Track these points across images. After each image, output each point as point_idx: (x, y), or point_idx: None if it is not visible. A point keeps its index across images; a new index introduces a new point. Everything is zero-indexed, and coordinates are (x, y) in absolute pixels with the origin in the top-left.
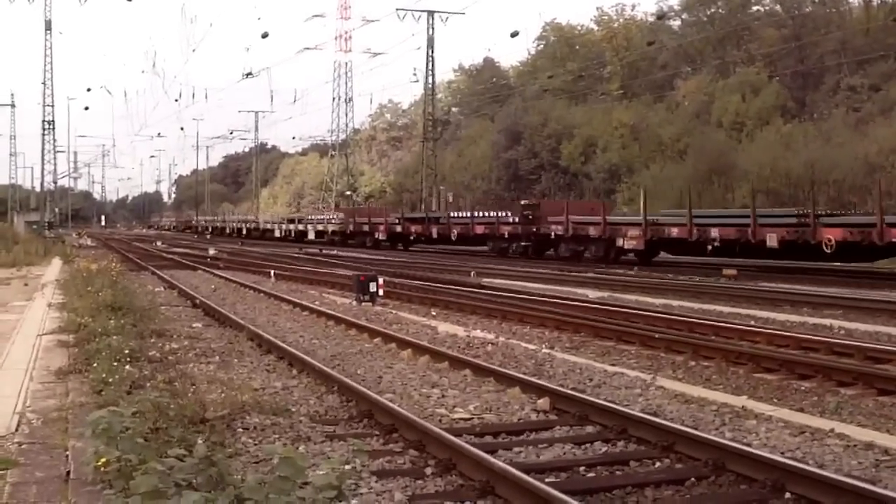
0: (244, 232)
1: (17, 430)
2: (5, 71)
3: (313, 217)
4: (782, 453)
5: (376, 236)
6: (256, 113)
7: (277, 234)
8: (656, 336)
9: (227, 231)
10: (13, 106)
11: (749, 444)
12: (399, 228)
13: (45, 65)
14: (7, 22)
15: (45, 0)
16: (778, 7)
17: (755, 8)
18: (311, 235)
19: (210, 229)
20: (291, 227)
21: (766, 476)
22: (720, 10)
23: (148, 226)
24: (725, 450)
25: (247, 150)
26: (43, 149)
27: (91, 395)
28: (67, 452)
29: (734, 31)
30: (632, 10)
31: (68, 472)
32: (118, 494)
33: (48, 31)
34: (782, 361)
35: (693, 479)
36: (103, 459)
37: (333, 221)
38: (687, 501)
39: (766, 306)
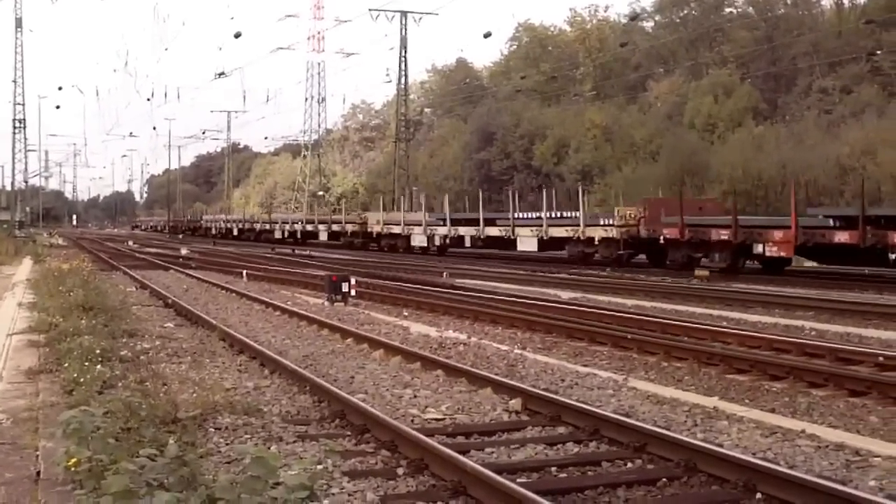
0: (256, 232)
1: None
2: None
3: (327, 217)
4: (754, 454)
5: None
6: (229, 113)
7: (279, 234)
8: (629, 337)
9: (235, 233)
10: None
11: (721, 445)
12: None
13: (15, 63)
14: None
15: None
16: (750, 9)
17: (728, 10)
18: (324, 237)
19: (216, 231)
20: (297, 227)
21: (737, 476)
22: (693, 12)
23: (133, 226)
24: (697, 450)
25: (219, 149)
26: (13, 147)
27: (62, 395)
28: (38, 452)
29: (707, 33)
30: (605, 11)
31: (38, 473)
32: (89, 495)
33: (19, 29)
34: (754, 362)
35: (665, 479)
36: (74, 459)
37: (357, 222)
38: (659, 502)
39: (737, 307)
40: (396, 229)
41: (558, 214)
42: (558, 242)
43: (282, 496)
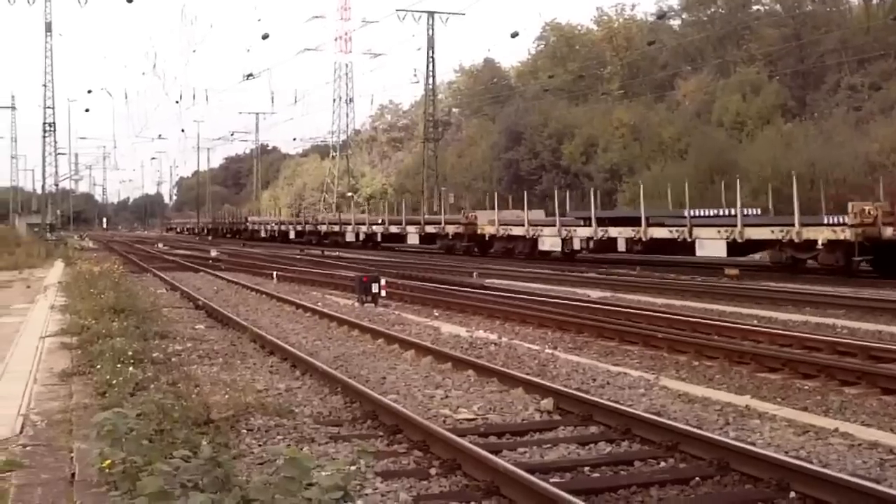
0: (319, 235)
1: (21, 432)
2: (6, 73)
3: (417, 217)
4: (786, 453)
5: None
6: (257, 114)
7: (351, 237)
8: (659, 336)
9: (292, 236)
10: (14, 108)
11: (753, 444)
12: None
13: (45, 66)
14: (7, 24)
15: (45, 1)
16: (778, 6)
17: (755, 7)
18: (413, 240)
19: (266, 233)
20: (377, 228)
21: (770, 475)
22: (720, 10)
23: (166, 228)
24: (729, 449)
25: (248, 151)
26: (44, 151)
27: (95, 397)
28: (72, 454)
29: (734, 31)
30: (631, 9)
31: (73, 474)
32: (124, 496)
33: (48, 33)
34: (785, 361)
35: (698, 478)
36: (108, 461)
37: (463, 222)
38: (692, 501)
39: (768, 306)
40: (518, 231)
41: (745, 212)
42: (756, 245)
43: (316, 497)
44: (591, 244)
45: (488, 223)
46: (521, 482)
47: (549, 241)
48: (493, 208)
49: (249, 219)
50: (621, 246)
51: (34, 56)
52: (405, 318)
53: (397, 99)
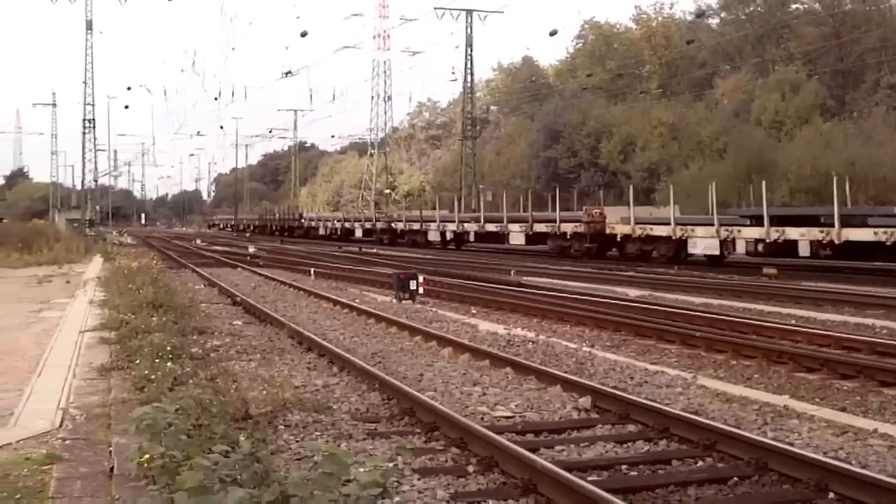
0: (395, 233)
1: (60, 425)
2: (47, 70)
3: (524, 216)
4: (825, 453)
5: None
6: (295, 111)
7: (434, 237)
8: (697, 335)
9: (359, 234)
10: (54, 105)
11: (792, 444)
12: None
13: (85, 64)
14: (49, 22)
15: (86, 0)
16: (817, 5)
17: (794, 6)
18: (517, 240)
19: (326, 231)
20: (469, 227)
21: (809, 476)
22: (759, 9)
23: (209, 224)
24: (768, 449)
25: (286, 148)
26: (84, 147)
27: (133, 392)
28: (110, 448)
29: (773, 30)
30: (670, 8)
31: (112, 468)
32: (162, 490)
33: (89, 31)
34: (824, 361)
35: (736, 478)
36: (147, 455)
37: (586, 220)
38: (730, 501)
39: (807, 305)
40: (661, 231)
41: None
42: None
43: (354, 493)
44: (762, 247)
45: (621, 221)
46: (558, 480)
47: (703, 244)
48: (528, 207)
49: (307, 216)
50: (803, 250)
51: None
52: (443, 315)
53: (435, 97)
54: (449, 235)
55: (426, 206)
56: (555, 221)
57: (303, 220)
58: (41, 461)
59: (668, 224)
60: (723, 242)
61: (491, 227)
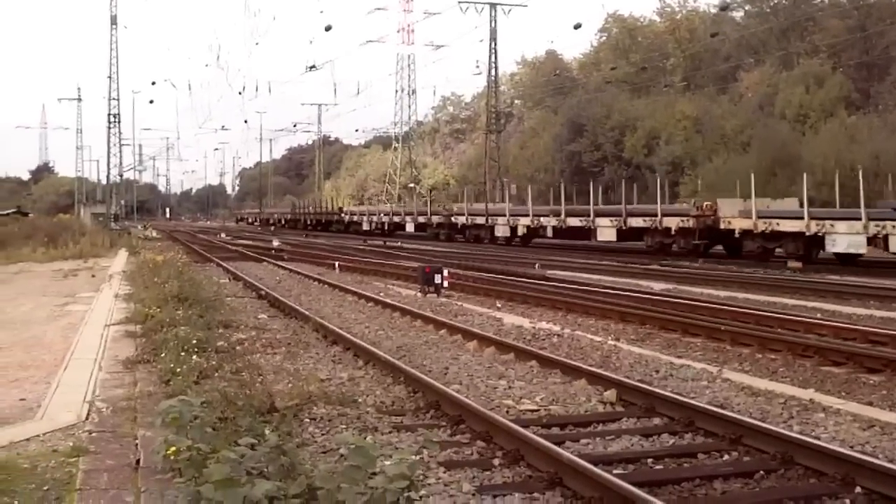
0: (454, 228)
1: (87, 418)
2: (72, 66)
3: (616, 209)
4: (852, 447)
5: None
6: (320, 106)
7: (502, 232)
8: (722, 328)
9: (411, 228)
10: (79, 100)
11: (818, 438)
12: None
13: (110, 59)
14: (74, 17)
15: None
16: None
17: None
18: (606, 236)
19: (371, 226)
20: (546, 220)
21: (835, 470)
22: (784, 1)
23: (237, 218)
24: (794, 443)
25: (310, 142)
26: (109, 142)
27: (159, 385)
28: (136, 441)
29: (798, 22)
30: (694, 1)
31: (138, 461)
32: (188, 482)
33: (114, 26)
34: (850, 354)
35: (761, 472)
36: (173, 448)
37: (693, 214)
38: (755, 494)
39: (832, 299)
40: (789, 225)
41: None
42: None
43: (381, 485)
44: None
45: (739, 215)
46: (584, 473)
47: (846, 241)
48: (557, 200)
49: (347, 210)
50: None
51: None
52: (468, 308)
53: (459, 90)
54: (521, 230)
55: (452, 199)
56: (655, 215)
57: (343, 215)
58: (68, 453)
59: (801, 218)
60: (871, 239)
61: (574, 222)
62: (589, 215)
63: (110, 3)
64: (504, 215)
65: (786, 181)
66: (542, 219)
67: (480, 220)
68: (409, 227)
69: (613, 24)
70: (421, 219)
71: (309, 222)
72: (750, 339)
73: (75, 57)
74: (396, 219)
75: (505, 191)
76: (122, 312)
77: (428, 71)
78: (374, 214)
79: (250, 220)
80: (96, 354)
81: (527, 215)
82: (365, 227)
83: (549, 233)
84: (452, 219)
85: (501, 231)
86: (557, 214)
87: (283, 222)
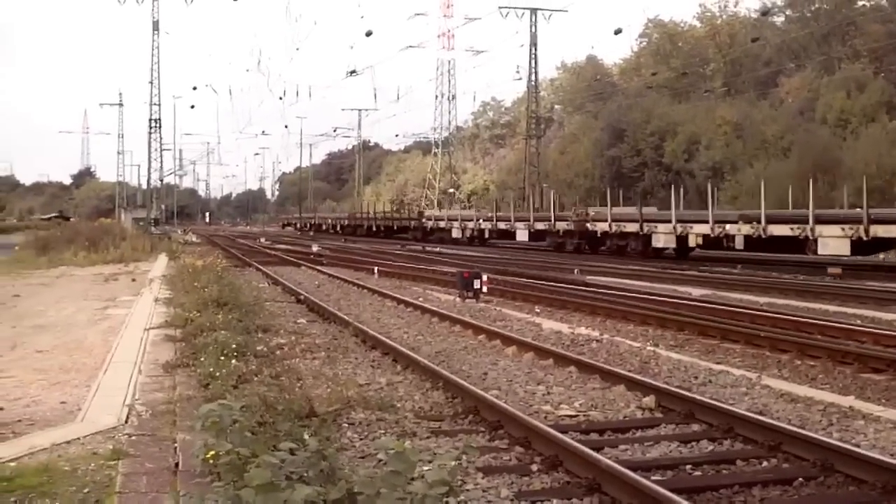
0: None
1: (126, 421)
2: (114, 71)
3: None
4: (892, 455)
5: None
6: (360, 111)
7: (664, 243)
8: (761, 335)
9: (524, 238)
10: (121, 105)
11: (858, 445)
12: None
13: (152, 64)
14: (116, 23)
15: (153, 1)
16: (884, 1)
17: (861, 3)
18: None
19: (469, 233)
20: (699, 228)
21: (876, 478)
22: (825, 6)
23: (284, 223)
24: (834, 450)
25: (350, 147)
26: (150, 147)
27: (198, 389)
28: (175, 444)
29: (839, 27)
30: (735, 6)
31: (177, 464)
32: (227, 487)
33: (155, 32)
34: (890, 361)
35: (801, 479)
36: (212, 452)
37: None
38: (795, 502)
39: (872, 305)
40: (632, 227)
41: None
42: None
43: (421, 491)
44: None
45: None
46: (622, 479)
47: (663, 239)
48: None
49: (429, 213)
50: None
51: (142, 54)
52: (506, 314)
53: (499, 96)
54: (694, 241)
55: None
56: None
57: (424, 220)
58: (108, 456)
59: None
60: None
61: (776, 231)
62: (811, 222)
63: (152, 9)
64: (668, 221)
65: (826, 187)
66: (727, 226)
67: (631, 228)
68: (521, 236)
69: (654, 30)
70: (540, 225)
71: (374, 228)
72: (789, 346)
73: (117, 62)
74: (503, 225)
75: (545, 196)
76: (162, 316)
77: (468, 76)
78: (470, 220)
79: (299, 227)
80: (136, 358)
81: (705, 221)
82: (455, 234)
83: (738, 243)
84: (589, 226)
85: (662, 241)
86: (755, 223)
87: (338, 228)
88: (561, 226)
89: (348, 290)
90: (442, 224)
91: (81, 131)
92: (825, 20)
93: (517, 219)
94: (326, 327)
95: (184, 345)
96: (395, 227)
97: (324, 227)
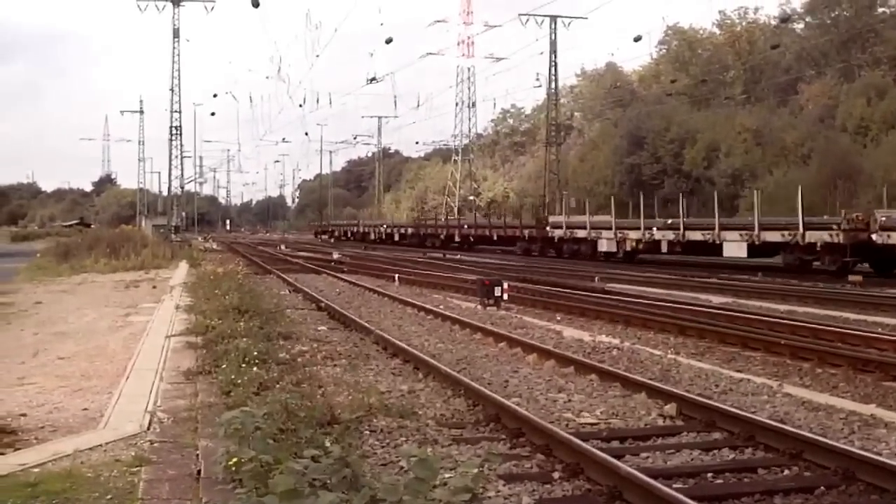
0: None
1: (149, 428)
2: (135, 78)
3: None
4: None
5: None
6: (380, 118)
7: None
8: (782, 342)
9: (604, 248)
10: (142, 112)
11: (879, 454)
12: None
13: (172, 72)
14: (137, 31)
15: (173, 8)
16: None
17: (881, 10)
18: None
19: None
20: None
21: None
22: (845, 13)
23: (319, 231)
24: (855, 458)
25: (370, 154)
26: (170, 154)
27: (219, 396)
28: (197, 451)
29: (859, 34)
30: (754, 13)
31: (199, 471)
32: (250, 494)
33: (176, 39)
34: None
35: (822, 487)
36: (235, 459)
37: None
38: None
39: (893, 313)
40: (582, 233)
41: None
42: None
43: (444, 498)
44: None
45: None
46: (644, 487)
47: (605, 244)
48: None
49: (555, 219)
50: None
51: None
52: (527, 321)
53: (519, 103)
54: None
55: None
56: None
57: (549, 229)
58: (130, 463)
59: (585, 228)
60: (618, 242)
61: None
62: None
63: (173, 17)
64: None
65: (846, 194)
66: (654, 233)
67: (582, 234)
68: (605, 246)
69: (673, 37)
70: (656, 234)
71: (418, 235)
72: (810, 354)
73: (138, 69)
74: (591, 235)
75: (565, 203)
76: (183, 324)
77: (488, 83)
78: (583, 229)
79: (336, 234)
80: (157, 365)
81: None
82: (605, 247)
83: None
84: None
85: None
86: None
87: (381, 237)
88: (669, 236)
89: (369, 297)
90: (581, 234)
91: (102, 138)
92: (845, 27)
93: (601, 225)
94: (348, 334)
95: (205, 352)
96: (472, 237)
97: (373, 237)
